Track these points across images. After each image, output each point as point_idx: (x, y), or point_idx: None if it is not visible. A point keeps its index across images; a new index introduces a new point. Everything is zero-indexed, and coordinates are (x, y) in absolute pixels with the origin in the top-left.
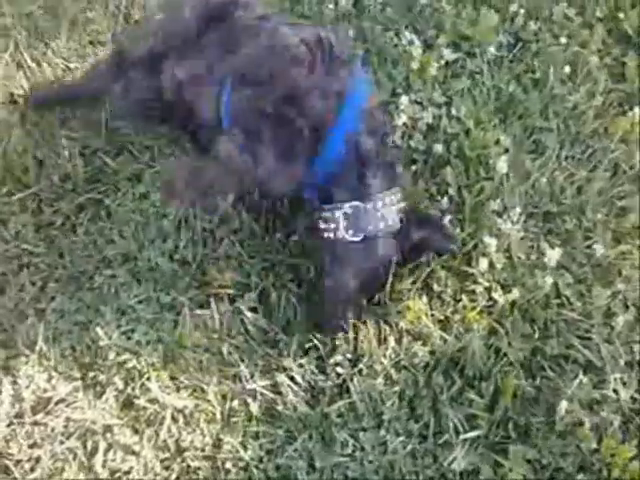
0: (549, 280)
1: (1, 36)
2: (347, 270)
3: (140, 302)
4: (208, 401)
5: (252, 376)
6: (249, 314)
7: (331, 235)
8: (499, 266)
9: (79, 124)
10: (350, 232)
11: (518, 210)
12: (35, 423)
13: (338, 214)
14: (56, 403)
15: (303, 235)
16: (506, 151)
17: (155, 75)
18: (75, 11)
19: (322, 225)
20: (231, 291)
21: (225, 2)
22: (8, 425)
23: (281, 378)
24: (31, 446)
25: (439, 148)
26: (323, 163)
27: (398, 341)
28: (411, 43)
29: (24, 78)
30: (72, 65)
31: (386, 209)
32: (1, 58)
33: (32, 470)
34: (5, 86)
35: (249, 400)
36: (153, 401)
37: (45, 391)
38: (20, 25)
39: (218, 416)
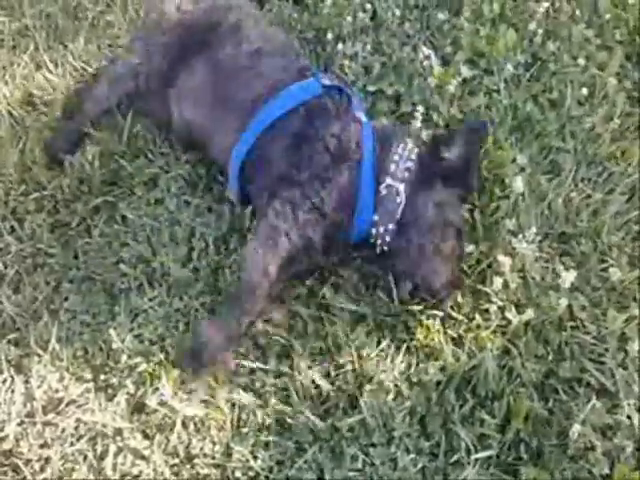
0: (563, 302)
1: (21, 36)
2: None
3: (152, 306)
4: (219, 409)
5: (263, 385)
6: (260, 325)
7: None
8: (513, 286)
9: (101, 126)
10: (389, 227)
11: (533, 230)
12: (46, 423)
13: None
14: (67, 404)
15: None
16: (522, 170)
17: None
18: (94, 14)
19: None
20: None
21: (206, 13)
22: (19, 424)
23: (292, 389)
24: (41, 446)
25: None
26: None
27: (409, 357)
28: (428, 58)
29: (43, 79)
30: (90, 68)
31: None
32: (20, 59)
33: (42, 470)
34: (24, 86)
35: (259, 410)
36: (164, 405)
37: (57, 391)
38: (40, 26)
39: (228, 424)
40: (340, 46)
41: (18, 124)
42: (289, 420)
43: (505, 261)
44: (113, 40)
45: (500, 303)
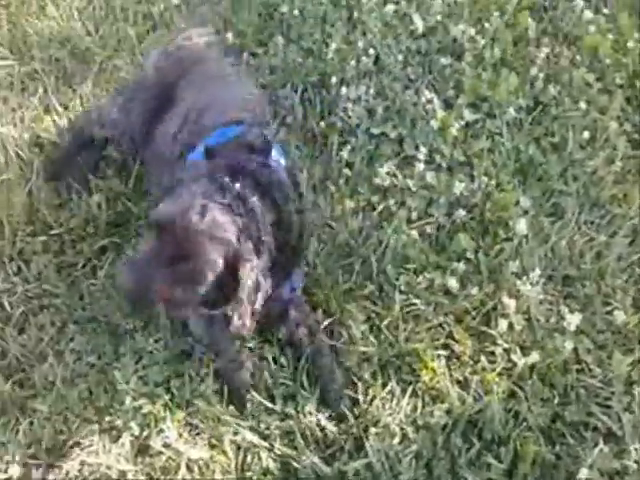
0: (569, 345)
1: (30, 80)
2: None
3: (157, 347)
4: (224, 452)
5: (268, 427)
6: (273, 366)
7: None
8: (518, 328)
9: (109, 170)
10: None
11: (537, 272)
12: (50, 465)
13: None
14: (71, 446)
15: None
16: (525, 213)
17: None
18: (102, 58)
19: None
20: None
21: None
22: (23, 465)
23: (298, 432)
24: None
25: (461, 213)
26: None
27: (415, 400)
28: (431, 102)
29: (51, 122)
30: None
31: None
32: (30, 102)
33: None
34: (32, 129)
35: (264, 454)
36: (169, 448)
37: (61, 433)
38: (49, 70)
39: (233, 467)
40: (344, 90)
41: (26, 166)
42: (294, 464)
43: (510, 303)
44: (120, 84)
45: (505, 345)
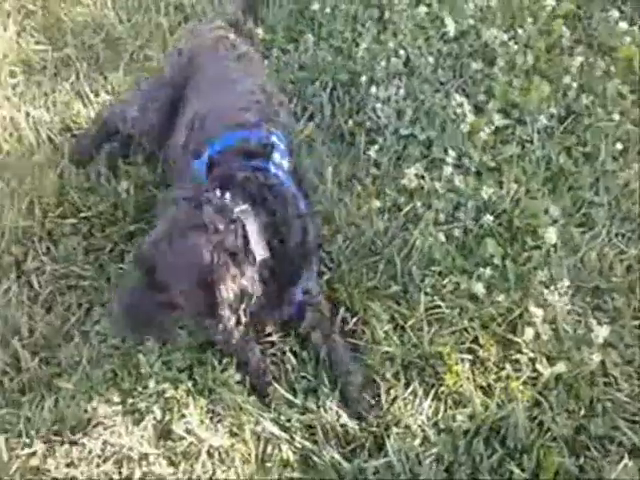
0: (596, 357)
1: (63, 65)
2: None
3: (181, 334)
4: (244, 441)
5: (289, 420)
6: (293, 360)
7: None
8: (545, 337)
9: (138, 157)
10: None
11: (566, 283)
12: (73, 443)
13: None
14: (95, 425)
15: None
16: (555, 222)
17: None
18: (134, 48)
19: None
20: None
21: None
22: (47, 441)
23: (318, 427)
24: (68, 465)
25: (489, 218)
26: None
27: (437, 403)
28: (460, 106)
29: (82, 107)
30: None
31: None
32: (62, 86)
33: None
34: (63, 113)
35: (284, 446)
36: (190, 433)
37: (85, 412)
38: (82, 57)
39: (253, 457)
40: (373, 89)
41: (57, 149)
42: (314, 458)
43: (537, 312)
44: (151, 73)
45: (531, 354)
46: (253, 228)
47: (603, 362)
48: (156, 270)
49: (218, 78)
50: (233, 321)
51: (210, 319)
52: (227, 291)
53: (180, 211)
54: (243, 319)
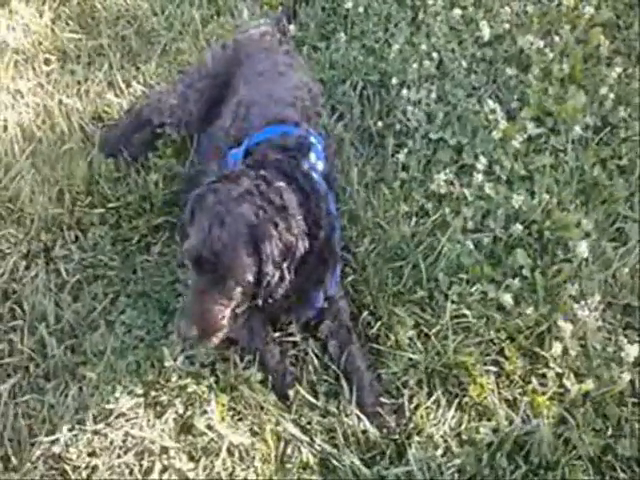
0: (626, 377)
1: (97, 55)
2: None
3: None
4: (265, 441)
5: (310, 423)
6: (316, 362)
7: None
8: (573, 353)
9: (167, 149)
10: None
11: (597, 298)
12: (95, 432)
13: None
14: (117, 416)
15: None
16: (587, 235)
17: None
18: (167, 40)
19: None
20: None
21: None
22: (70, 429)
23: (339, 431)
24: (90, 454)
25: (519, 228)
26: None
27: (460, 414)
28: (493, 112)
29: (114, 97)
30: None
31: None
32: (95, 76)
33: (88, 478)
34: (96, 103)
35: (304, 448)
36: (211, 429)
37: (108, 402)
38: (115, 46)
39: (273, 457)
40: (404, 92)
41: (88, 138)
42: (334, 462)
43: (566, 327)
44: (183, 66)
45: (558, 369)
46: (292, 197)
47: (632, 382)
48: (214, 262)
49: (266, 70)
50: (277, 277)
51: (256, 288)
52: (272, 246)
53: (222, 193)
54: (287, 276)
